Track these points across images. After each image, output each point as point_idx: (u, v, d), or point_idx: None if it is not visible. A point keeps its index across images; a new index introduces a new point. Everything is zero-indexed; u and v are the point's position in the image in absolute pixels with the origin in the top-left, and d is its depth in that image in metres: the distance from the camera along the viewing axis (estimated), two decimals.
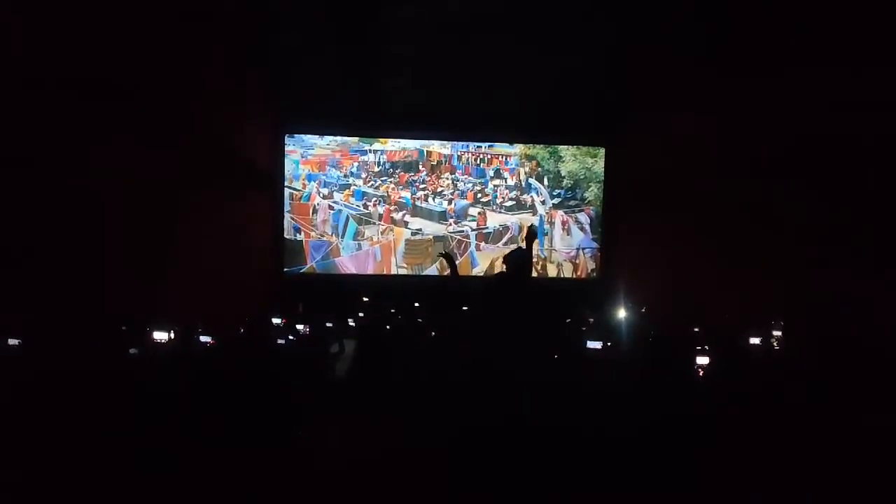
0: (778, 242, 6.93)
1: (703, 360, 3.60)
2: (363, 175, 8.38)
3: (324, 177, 8.29)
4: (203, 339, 4.21)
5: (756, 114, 6.80)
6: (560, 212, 8.54)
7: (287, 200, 8.20)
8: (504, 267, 4.01)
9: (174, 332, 4.15)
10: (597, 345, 4.08)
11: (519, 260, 4.00)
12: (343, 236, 8.37)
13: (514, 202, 8.63)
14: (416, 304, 6.67)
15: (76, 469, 2.31)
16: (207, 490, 2.29)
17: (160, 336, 4.09)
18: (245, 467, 2.36)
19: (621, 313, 5.91)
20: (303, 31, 6.52)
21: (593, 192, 8.53)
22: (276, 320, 5.19)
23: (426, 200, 8.50)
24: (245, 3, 6.47)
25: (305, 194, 8.28)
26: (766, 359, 4.27)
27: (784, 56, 6.47)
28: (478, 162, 8.60)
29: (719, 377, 3.52)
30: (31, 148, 6.35)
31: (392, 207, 8.43)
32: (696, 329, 5.20)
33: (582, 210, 8.59)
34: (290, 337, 4.59)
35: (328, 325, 5.52)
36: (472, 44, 6.60)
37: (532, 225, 3.63)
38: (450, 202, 8.56)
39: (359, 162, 8.33)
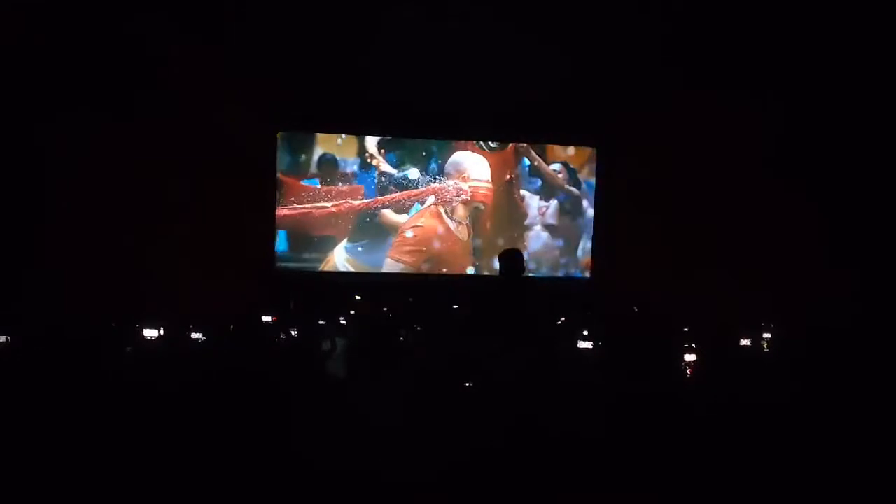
0: (774, 242, 6.99)
1: (690, 358, 3.67)
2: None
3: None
4: (194, 335, 4.19)
5: (753, 112, 6.84)
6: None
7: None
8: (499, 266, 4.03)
9: (164, 329, 4.13)
10: (588, 345, 4.11)
11: (513, 260, 4.02)
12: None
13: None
14: (410, 299, 6.65)
15: (68, 467, 2.30)
16: (205, 489, 2.27)
17: (150, 333, 4.07)
18: (242, 466, 2.34)
19: (613, 313, 5.93)
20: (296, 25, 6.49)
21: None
22: (266, 318, 5.16)
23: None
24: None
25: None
26: (755, 358, 4.31)
27: (782, 55, 6.52)
28: None
29: (708, 376, 3.57)
30: (24, 143, 6.32)
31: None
32: (686, 329, 5.23)
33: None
34: (282, 335, 4.56)
35: (320, 322, 5.50)
36: (459, 38, 6.55)
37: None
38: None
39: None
